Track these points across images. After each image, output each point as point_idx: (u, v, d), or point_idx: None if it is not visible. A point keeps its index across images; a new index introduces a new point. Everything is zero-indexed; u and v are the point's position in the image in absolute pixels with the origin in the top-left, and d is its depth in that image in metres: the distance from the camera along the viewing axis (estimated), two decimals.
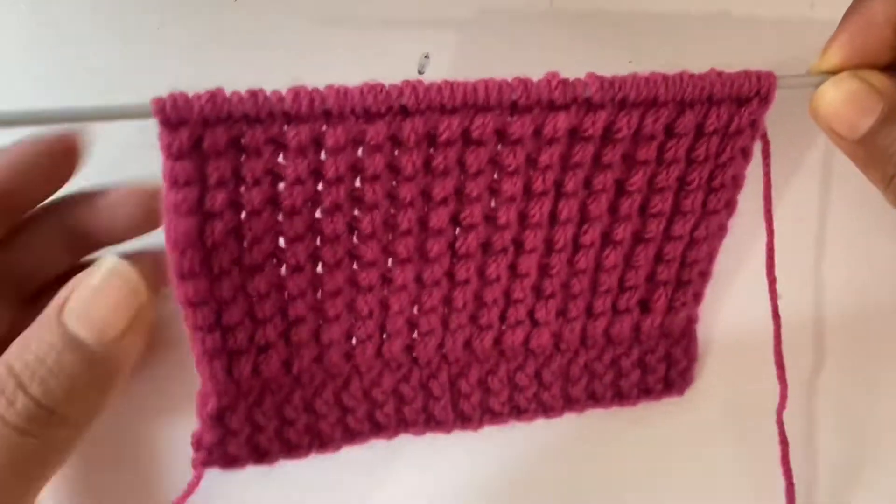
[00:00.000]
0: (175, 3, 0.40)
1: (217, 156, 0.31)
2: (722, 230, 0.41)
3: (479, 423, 0.42)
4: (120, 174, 0.37)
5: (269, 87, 0.32)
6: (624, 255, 0.40)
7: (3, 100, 0.36)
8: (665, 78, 0.35)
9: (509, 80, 0.34)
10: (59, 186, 0.36)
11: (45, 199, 0.36)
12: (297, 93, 0.31)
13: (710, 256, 0.42)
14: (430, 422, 0.41)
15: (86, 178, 0.36)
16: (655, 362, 0.44)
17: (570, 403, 0.43)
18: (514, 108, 0.34)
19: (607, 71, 0.35)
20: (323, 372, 0.38)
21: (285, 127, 0.32)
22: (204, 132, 0.31)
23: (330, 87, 0.32)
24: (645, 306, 0.42)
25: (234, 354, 0.35)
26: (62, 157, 0.35)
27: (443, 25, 0.41)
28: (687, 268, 0.42)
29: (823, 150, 0.38)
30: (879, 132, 0.35)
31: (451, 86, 0.33)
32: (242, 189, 0.32)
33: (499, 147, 0.35)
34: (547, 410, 0.43)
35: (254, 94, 0.31)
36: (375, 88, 0.32)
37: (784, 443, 0.42)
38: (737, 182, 0.40)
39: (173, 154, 0.31)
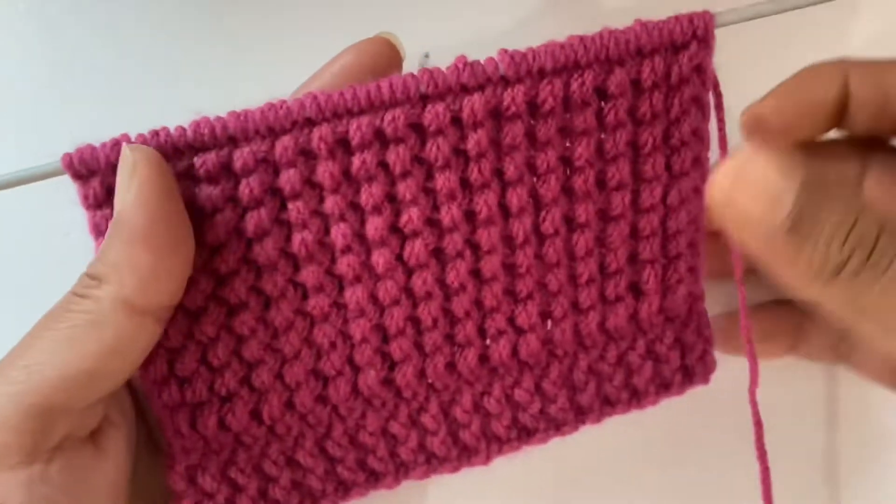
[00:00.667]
0: (173, 3, 0.41)
1: None
2: (699, 194, 0.38)
3: (487, 455, 0.39)
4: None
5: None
6: (595, 237, 0.37)
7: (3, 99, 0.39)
8: (582, 39, 0.34)
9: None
10: None
11: None
12: (197, 124, 0.31)
13: (695, 225, 0.38)
14: (430, 461, 0.38)
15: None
16: (667, 350, 0.40)
17: (582, 414, 0.39)
18: (426, 100, 0.33)
19: None
20: (299, 420, 0.36)
21: (194, 159, 0.31)
22: (114, 178, 0.31)
23: (231, 113, 0.32)
24: (637, 290, 0.39)
25: (195, 407, 0.34)
26: (386, 59, 0.36)
27: (443, 25, 0.41)
28: (672, 240, 0.38)
29: None
30: (801, 217, 0.28)
31: (355, 89, 0.32)
32: None
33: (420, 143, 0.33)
34: (559, 426, 0.39)
35: (155, 133, 0.31)
36: (276, 106, 0.32)
37: (758, 424, 0.38)
38: (699, 137, 0.37)
39: (91, 204, 0.31)
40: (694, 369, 0.40)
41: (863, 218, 0.28)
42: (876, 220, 0.28)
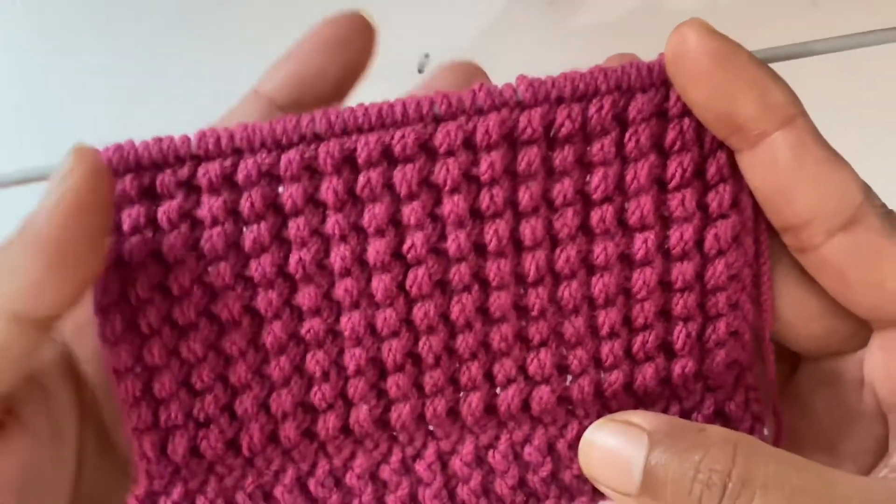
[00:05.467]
0: (171, 4, 0.42)
1: (129, 204, 0.31)
2: (740, 243, 0.34)
3: None
4: None
5: None
6: (617, 284, 0.34)
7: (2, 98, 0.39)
8: (604, 69, 0.32)
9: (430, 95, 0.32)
10: (360, 72, 0.37)
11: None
12: (203, 133, 0.31)
13: (737, 281, 0.34)
14: None
15: None
16: (704, 422, 0.35)
17: None
18: (439, 121, 0.32)
19: None
20: (282, 454, 0.34)
21: (198, 169, 0.31)
22: (114, 183, 0.31)
23: (239, 125, 0.32)
24: (669, 350, 0.35)
25: (168, 431, 0.32)
26: (355, 41, 0.36)
27: (443, 25, 0.41)
28: (710, 296, 0.34)
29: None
30: (652, 480, 0.28)
31: (366, 107, 0.32)
32: (162, 237, 0.32)
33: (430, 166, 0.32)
34: (573, 496, 0.35)
35: (159, 139, 0.31)
36: (284, 120, 0.31)
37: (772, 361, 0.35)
38: (740, 174, 0.33)
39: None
40: None
41: (707, 459, 0.28)
42: (724, 457, 0.27)
